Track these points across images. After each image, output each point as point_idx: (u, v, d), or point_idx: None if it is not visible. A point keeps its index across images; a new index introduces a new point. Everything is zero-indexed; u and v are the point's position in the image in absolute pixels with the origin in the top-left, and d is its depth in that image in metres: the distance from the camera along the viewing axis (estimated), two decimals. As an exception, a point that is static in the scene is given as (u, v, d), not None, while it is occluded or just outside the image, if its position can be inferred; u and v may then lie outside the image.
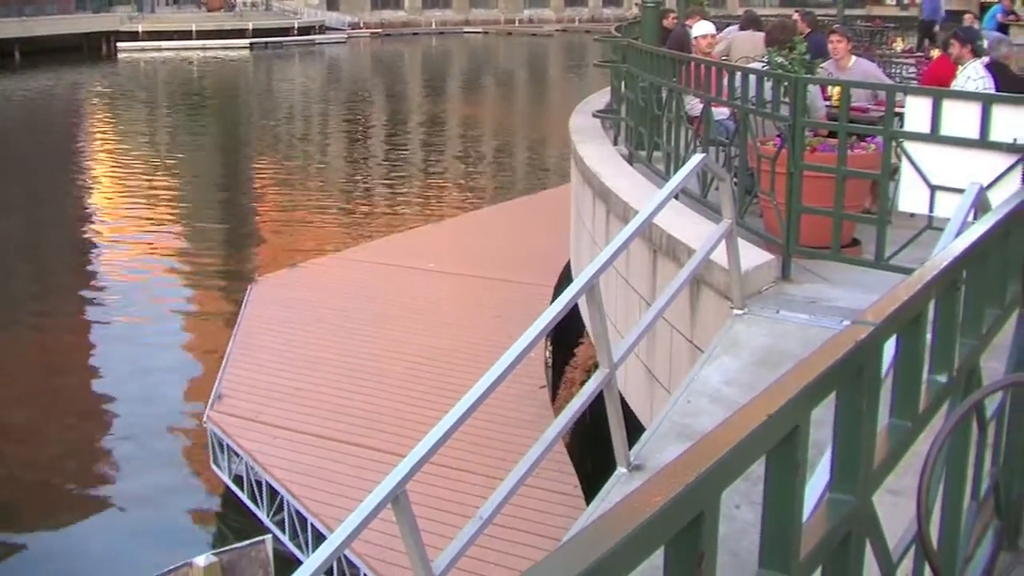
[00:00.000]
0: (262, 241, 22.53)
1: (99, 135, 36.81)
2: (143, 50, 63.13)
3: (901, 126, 7.21)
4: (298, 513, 9.56)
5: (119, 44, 63.38)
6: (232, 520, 10.87)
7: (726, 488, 1.41)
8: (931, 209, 6.86)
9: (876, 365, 1.95)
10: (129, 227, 23.15)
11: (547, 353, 12.34)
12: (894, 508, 3.04)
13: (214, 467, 11.23)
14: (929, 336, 2.71)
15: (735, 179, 7.78)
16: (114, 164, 30.57)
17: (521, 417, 10.18)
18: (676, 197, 7.73)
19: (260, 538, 7.58)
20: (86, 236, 22.47)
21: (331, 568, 8.62)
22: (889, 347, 2.28)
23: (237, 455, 10.74)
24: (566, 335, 12.34)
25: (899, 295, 2.17)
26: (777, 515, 1.66)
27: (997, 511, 3.61)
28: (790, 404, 1.58)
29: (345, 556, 8.35)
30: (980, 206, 5.17)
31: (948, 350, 2.69)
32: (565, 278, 13.39)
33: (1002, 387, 2.43)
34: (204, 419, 11.37)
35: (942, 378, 2.62)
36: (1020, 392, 2.94)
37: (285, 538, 9.71)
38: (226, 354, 12.77)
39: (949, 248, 2.71)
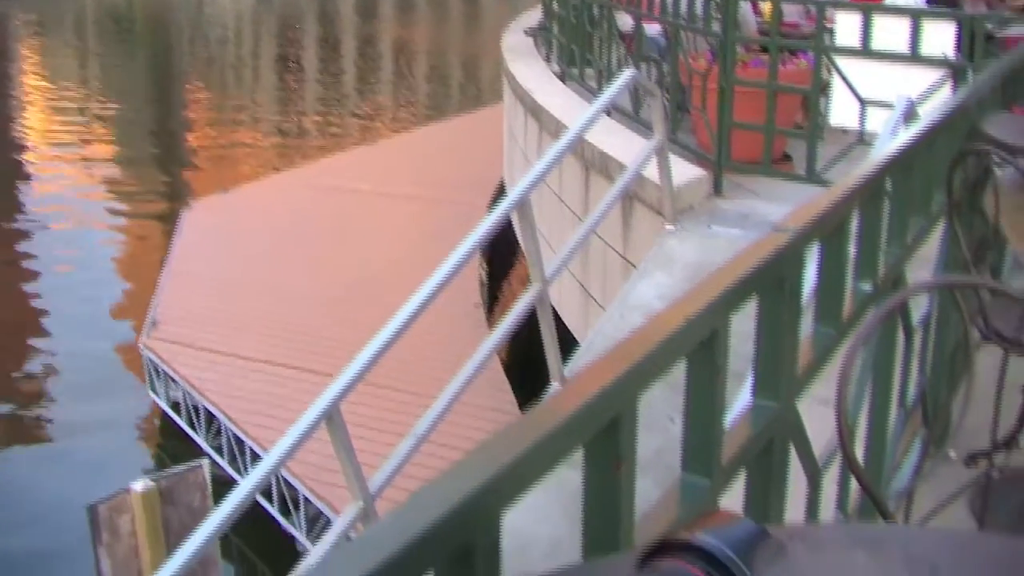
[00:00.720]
0: (195, 167, 22.24)
1: (27, 62, 36.08)
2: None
3: (832, 41, 7.22)
4: (236, 437, 9.55)
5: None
6: (171, 446, 10.83)
7: (643, 392, 1.41)
8: (862, 124, 6.90)
9: (797, 272, 1.96)
10: (60, 155, 22.77)
11: (482, 272, 12.36)
12: (824, 416, 3.08)
13: (151, 394, 11.18)
14: (855, 246, 2.74)
15: (667, 95, 7.76)
16: (43, 92, 30.00)
17: (457, 336, 10.18)
18: (609, 114, 7.72)
19: (197, 462, 7.54)
20: (15, 164, 22.08)
21: (269, 490, 8.69)
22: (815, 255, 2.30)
23: (174, 381, 10.69)
24: (502, 255, 12.35)
25: (820, 203, 2.18)
26: (698, 419, 1.67)
27: (924, 419, 3.66)
28: (708, 309, 1.59)
29: (282, 477, 8.37)
30: (910, 119, 5.20)
31: (872, 259, 2.71)
32: (499, 197, 13.37)
33: (926, 288, 2.45)
34: (140, 346, 11.30)
35: (867, 286, 2.65)
36: (946, 297, 2.97)
37: (224, 462, 9.71)
38: (160, 281, 12.67)
39: (873, 157, 2.73)
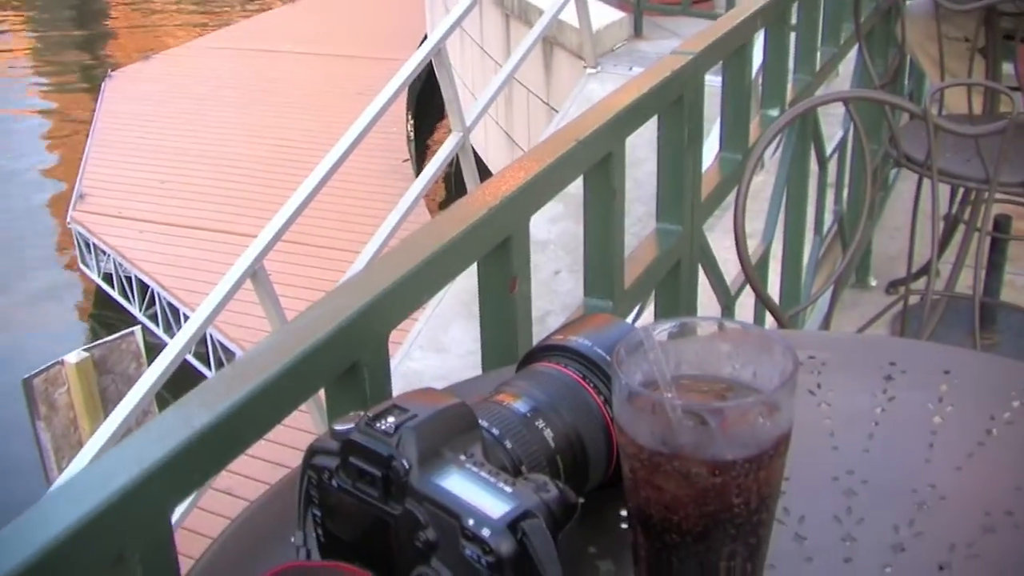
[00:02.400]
0: (113, 36, 21.75)
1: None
2: None
3: None
4: (170, 305, 9.53)
5: None
6: (107, 319, 10.77)
7: (536, 211, 1.42)
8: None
9: (696, 94, 1.97)
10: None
11: (409, 128, 12.27)
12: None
13: (82, 267, 11.09)
14: (762, 73, 2.74)
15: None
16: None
17: (385, 191, 10.14)
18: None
19: (129, 330, 7.53)
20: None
21: (207, 355, 8.70)
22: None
23: (104, 253, 10.61)
24: (429, 111, 12.25)
25: (722, 26, 2.17)
26: (597, 242, 1.68)
27: (843, 246, 3.71)
28: (602, 130, 1.59)
29: (217, 340, 8.38)
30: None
31: (780, 84, 2.71)
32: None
33: (825, 101, 2.45)
34: (68, 220, 11.17)
35: (774, 112, 2.66)
36: (861, 123, 2.97)
37: (160, 331, 9.69)
38: (85, 152, 12.49)
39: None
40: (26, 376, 7.57)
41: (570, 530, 0.76)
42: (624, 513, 0.84)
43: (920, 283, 2.96)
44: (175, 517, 3.31)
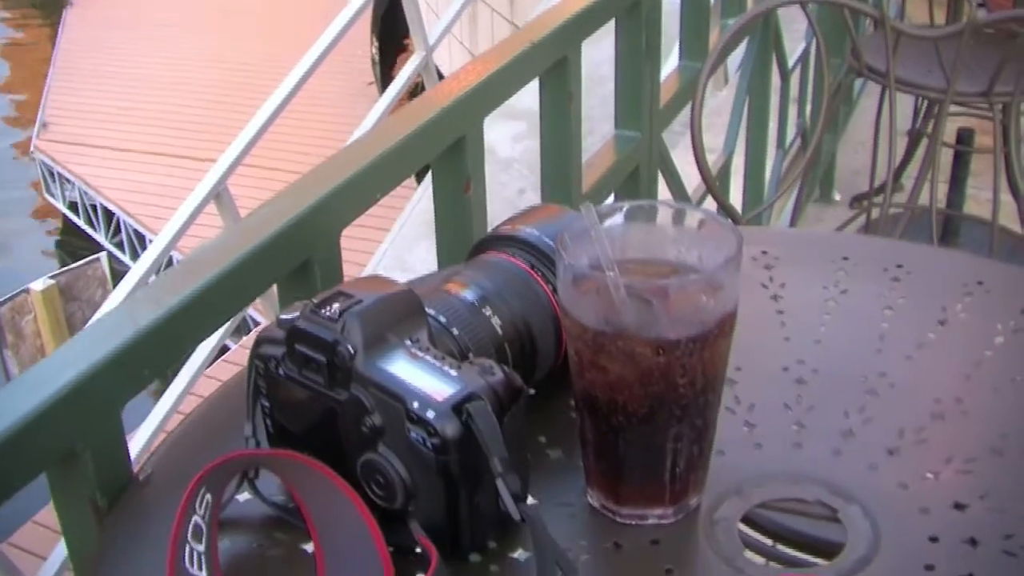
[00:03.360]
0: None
1: None
2: None
3: None
4: (135, 231, 9.49)
5: None
6: (74, 247, 10.72)
7: (489, 114, 1.41)
8: None
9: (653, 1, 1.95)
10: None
11: (374, 51, 12.18)
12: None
13: (47, 196, 11.02)
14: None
15: None
16: None
17: (350, 114, 10.05)
18: None
19: (94, 256, 7.52)
20: None
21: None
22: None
23: (69, 181, 10.55)
24: (394, 34, 12.16)
25: (680, -68, 2.16)
26: (554, 147, 1.68)
27: (806, 162, 3.71)
28: (557, 33, 1.58)
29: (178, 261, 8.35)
30: None
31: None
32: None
33: (794, 2, 2.44)
34: (31, 149, 11.08)
35: (733, 21, 2.64)
36: (823, 23, 2.95)
37: (127, 258, 9.66)
38: (47, 81, 12.36)
39: None
40: (-9, 305, 7.55)
41: (516, 413, 0.76)
42: (573, 403, 0.84)
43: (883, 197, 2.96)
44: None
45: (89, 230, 10.39)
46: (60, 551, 2.80)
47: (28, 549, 5.09)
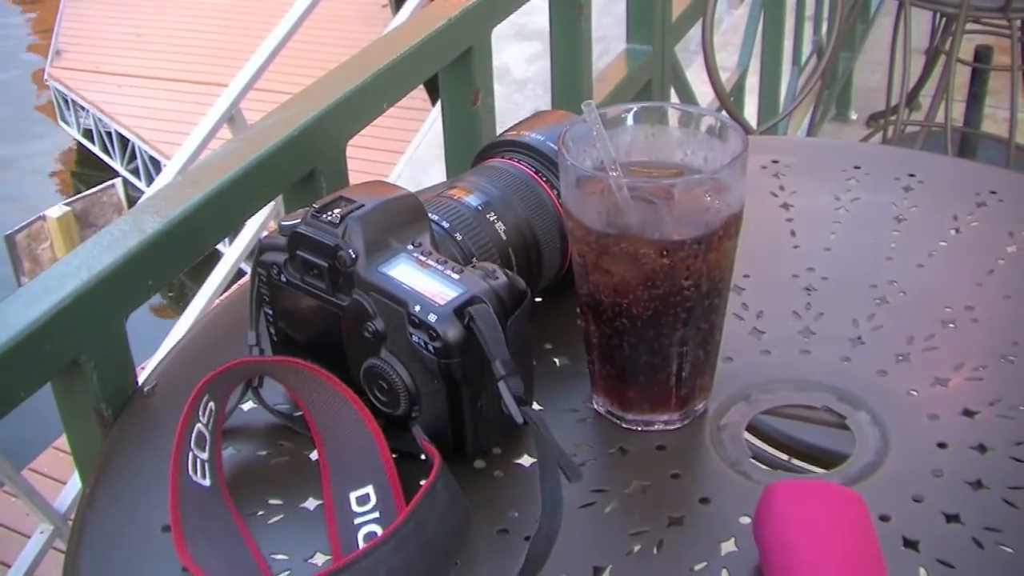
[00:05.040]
0: None
1: None
2: None
3: None
4: (151, 158, 9.48)
5: None
6: (88, 176, 10.72)
7: (497, 24, 1.39)
8: None
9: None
10: None
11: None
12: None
13: (62, 124, 11.00)
14: None
15: None
16: None
17: (365, 37, 10.00)
18: None
19: (110, 182, 7.52)
20: None
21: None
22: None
23: (83, 109, 10.52)
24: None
25: None
26: (564, 59, 1.66)
27: (823, 77, 3.68)
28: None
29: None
30: None
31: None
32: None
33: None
34: (45, 77, 11.05)
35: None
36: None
37: (143, 184, 9.65)
38: (60, 8, 12.30)
39: None
40: (8, 232, 7.57)
41: (520, 317, 0.76)
42: (578, 308, 0.84)
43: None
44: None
45: (104, 157, 10.37)
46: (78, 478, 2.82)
47: (48, 474, 5.14)
